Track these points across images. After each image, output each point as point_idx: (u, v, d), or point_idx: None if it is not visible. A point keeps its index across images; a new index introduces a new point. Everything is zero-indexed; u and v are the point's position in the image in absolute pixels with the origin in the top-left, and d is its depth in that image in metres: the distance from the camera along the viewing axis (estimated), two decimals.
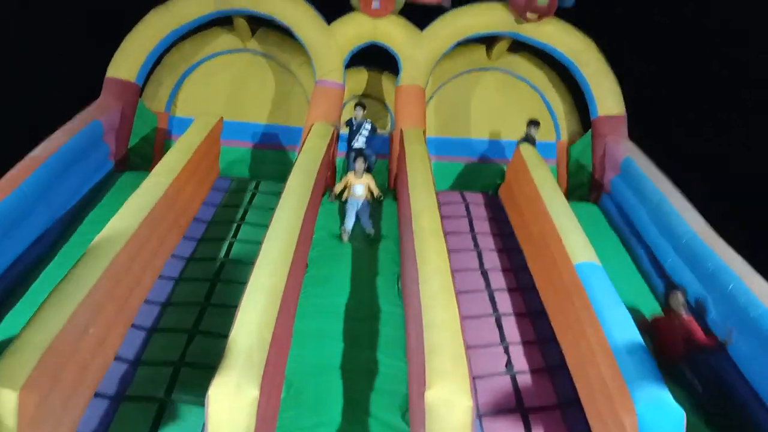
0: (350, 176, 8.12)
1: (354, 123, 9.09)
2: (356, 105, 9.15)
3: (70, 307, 4.81)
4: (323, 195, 8.29)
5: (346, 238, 7.51)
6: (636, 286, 7.13)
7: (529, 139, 9.14)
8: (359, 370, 5.65)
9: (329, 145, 8.57)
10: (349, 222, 7.76)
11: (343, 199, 8.13)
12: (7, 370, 4.09)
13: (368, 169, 8.69)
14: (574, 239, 6.17)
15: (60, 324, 4.61)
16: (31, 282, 6.26)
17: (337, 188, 8.18)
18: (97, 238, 5.78)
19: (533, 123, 9.28)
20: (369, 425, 5.13)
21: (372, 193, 8.18)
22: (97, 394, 5.13)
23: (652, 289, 7.14)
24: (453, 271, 6.15)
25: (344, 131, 9.29)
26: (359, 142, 9.03)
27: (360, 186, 8.10)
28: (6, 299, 5.98)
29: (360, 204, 8.01)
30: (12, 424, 3.96)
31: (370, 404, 5.33)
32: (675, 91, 10.78)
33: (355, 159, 8.42)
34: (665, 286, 6.87)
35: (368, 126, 9.06)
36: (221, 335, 4.89)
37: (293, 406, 5.22)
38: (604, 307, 5.24)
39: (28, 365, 4.17)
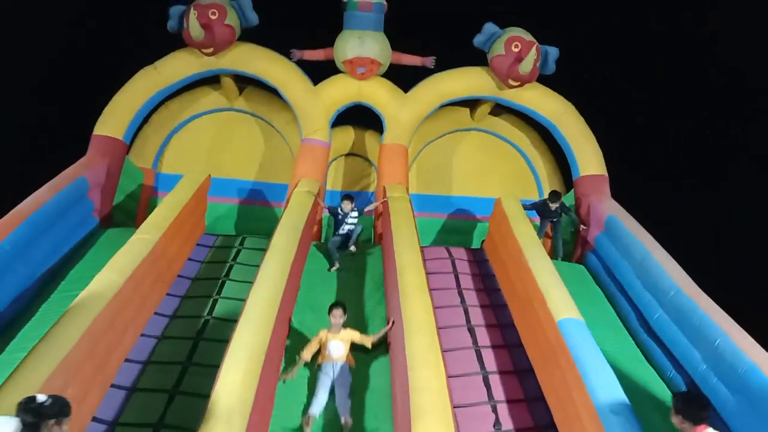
0: (323, 334, 6.17)
1: (340, 213, 8.82)
2: (344, 198, 8.85)
3: (48, 368, 4.72)
4: (307, 252, 8.27)
5: (308, 427, 5.53)
6: (623, 343, 7.12)
7: (549, 207, 9.32)
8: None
9: (315, 202, 8.64)
10: (318, 403, 5.70)
11: (317, 364, 6.14)
12: None
13: (350, 243, 8.56)
14: (556, 296, 6.20)
15: (37, 386, 4.50)
16: (9, 340, 6.11)
17: (306, 353, 6.05)
18: (81, 295, 5.71)
19: (554, 194, 9.41)
20: None
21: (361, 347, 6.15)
22: None
23: (639, 344, 7.13)
24: (439, 328, 6.13)
25: (325, 212, 9.25)
26: (345, 230, 8.72)
27: (338, 345, 6.09)
28: None
29: (337, 371, 5.95)
30: None
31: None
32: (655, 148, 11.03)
33: (339, 245, 8.32)
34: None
35: (355, 214, 8.77)
36: (203, 396, 4.79)
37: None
38: (588, 366, 5.22)
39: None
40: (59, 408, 3.78)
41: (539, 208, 9.58)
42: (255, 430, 4.82)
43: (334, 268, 8.07)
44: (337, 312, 6.24)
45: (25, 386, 4.45)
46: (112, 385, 5.70)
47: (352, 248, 8.47)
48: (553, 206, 9.39)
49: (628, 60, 10.72)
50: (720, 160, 10.27)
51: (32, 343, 5.09)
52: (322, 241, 9.35)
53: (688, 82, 10.74)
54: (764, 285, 5.44)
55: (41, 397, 3.80)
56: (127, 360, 6.03)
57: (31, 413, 3.71)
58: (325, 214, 9.64)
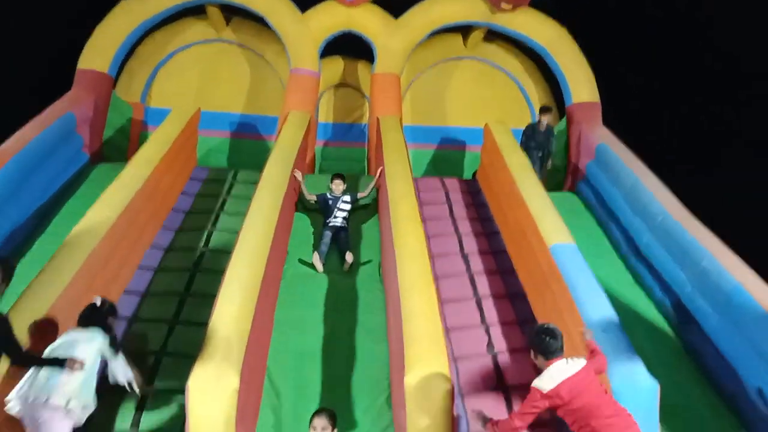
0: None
1: (330, 197, 7.41)
2: (334, 177, 7.58)
3: (48, 303, 4.80)
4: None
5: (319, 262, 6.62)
6: (614, 267, 7.24)
7: (538, 128, 8.94)
8: (341, 356, 5.68)
9: (306, 134, 8.56)
10: (324, 243, 6.91)
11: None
12: None
13: (345, 247, 6.99)
14: (548, 221, 6.26)
15: (37, 316, 4.58)
16: None
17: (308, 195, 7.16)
18: (75, 230, 5.74)
19: (545, 110, 9.07)
20: (353, 410, 5.17)
21: None
22: None
23: (629, 268, 7.25)
24: (434, 256, 6.24)
25: (311, 199, 7.55)
26: (338, 220, 7.25)
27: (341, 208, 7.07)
28: None
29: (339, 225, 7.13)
30: None
31: (353, 390, 5.36)
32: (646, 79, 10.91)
33: (333, 239, 6.99)
34: None
35: (347, 199, 7.44)
36: (202, 324, 4.88)
37: (275, 394, 5.24)
38: (579, 288, 5.33)
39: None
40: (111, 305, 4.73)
41: (527, 135, 9.02)
42: (254, 357, 4.95)
43: (320, 268, 6.67)
44: (338, 181, 7.46)
45: (25, 321, 4.53)
46: None
47: (348, 259, 6.80)
48: (544, 121, 8.87)
49: (623, 45, 10.50)
50: (714, 145, 10.20)
51: (29, 280, 5.13)
52: (316, 173, 9.31)
53: (683, 67, 10.60)
54: (759, 271, 5.57)
55: (98, 300, 4.67)
56: (125, 292, 6.12)
57: (106, 312, 4.61)
58: (318, 147, 9.55)
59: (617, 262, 7.41)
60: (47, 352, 4.33)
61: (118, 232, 6.05)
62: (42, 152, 7.43)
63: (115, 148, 9.49)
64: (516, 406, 5.05)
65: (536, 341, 4.27)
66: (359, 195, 7.71)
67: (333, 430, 4.33)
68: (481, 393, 5.28)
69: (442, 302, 5.45)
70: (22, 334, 4.38)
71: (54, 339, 4.48)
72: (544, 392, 4.10)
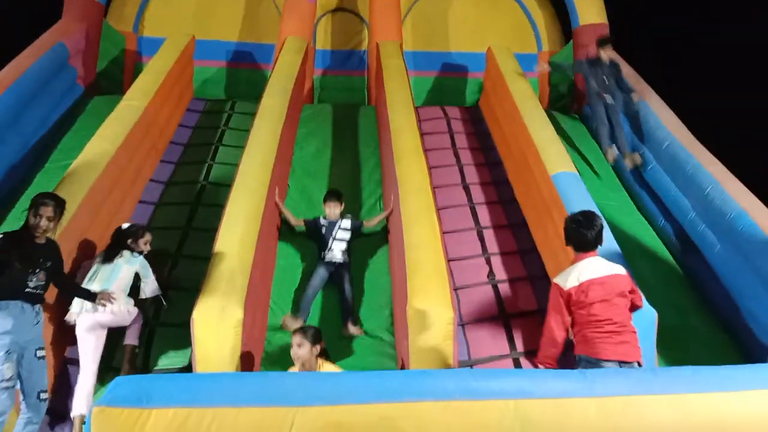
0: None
1: (323, 224, 5.82)
2: (327, 196, 5.96)
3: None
4: (299, 115, 8.11)
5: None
6: (616, 195, 7.20)
7: (598, 65, 7.30)
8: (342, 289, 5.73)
9: (303, 61, 8.34)
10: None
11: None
12: None
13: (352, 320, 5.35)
14: (551, 150, 6.18)
15: None
16: (7, 213, 6.17)
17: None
18: (74, 165, 5.70)
19: (605, 42, 7.41)
20: (354, 340, 5.27)
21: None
22: None
23: (632, 196, 7.22)
24: (435, 188, 6.19)
25: (297, 226, 6.08)
26: (335, 254, 5.64)
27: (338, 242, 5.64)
28: None
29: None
30: None
31: (359, 319, 5.46)
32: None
33: (331, 277, 5.51)
34: None
35: (347, 225, 5.82)
36: (205, 258, 4.91)
37: (280, 325, 5.32)
38: None
39: None
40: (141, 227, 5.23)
41: (585, 70, 7.34)
42: (257, 288, 5.01)
43: (294, 324, 4.99)
44: (332, 202, 5.91)
45: None
46: None
47: (354, 331, 5.21)
48: (606, 56, 7.14)
49: None
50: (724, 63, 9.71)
51: None
52: (315, 103, 9.12)
53: None
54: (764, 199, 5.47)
55: (125, 225, 5.17)
56: None
57: (137, 234, 5.08)
58: (316, 76, 9.28)
59: (620, 190, 7.37)
60: (90, 275, 4.82)
61: (118, 165, 6.02)
62: (37, 84, 7.26)
63: (111, 80, 9.28)
64: (516, 335, 5.15)
65: (569, 233, 3.95)
66: (365, 224, 6.04)
67: (313, 346, 4.16)
68: (481, 321, 5.36)
69: (443, 233, 5.45)
70: None
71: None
72: (564, 288, 3.87)
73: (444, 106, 8.94)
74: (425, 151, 6.58)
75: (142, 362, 4.91)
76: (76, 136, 7.32)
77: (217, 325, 4.28)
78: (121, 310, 4.72)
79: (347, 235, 5.82)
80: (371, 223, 6.13)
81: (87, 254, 5.27)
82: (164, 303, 5.10)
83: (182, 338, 4.74)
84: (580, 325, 3.89)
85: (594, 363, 3.78)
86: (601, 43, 7.46)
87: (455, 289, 5.60)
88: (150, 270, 4.99)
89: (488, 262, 6.05)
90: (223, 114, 8.29)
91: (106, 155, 5.86)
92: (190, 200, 6.63)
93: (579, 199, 5.52)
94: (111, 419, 2.13)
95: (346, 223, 5.89)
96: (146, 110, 6.72)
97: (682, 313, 5.55)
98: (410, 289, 4.58)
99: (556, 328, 3.99)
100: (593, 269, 3.83)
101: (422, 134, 6.92)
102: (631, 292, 4.14)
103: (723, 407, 2.96)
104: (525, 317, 5.35)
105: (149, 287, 4.98)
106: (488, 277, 5.88)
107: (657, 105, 7.23)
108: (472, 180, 7.22)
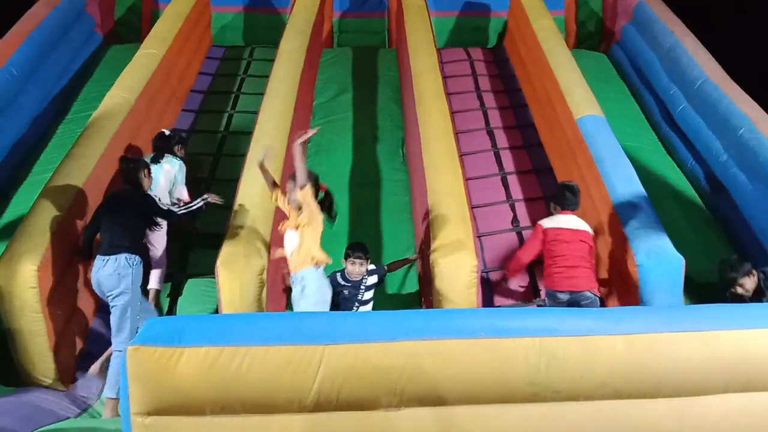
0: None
1: (345, 283, 4.55)
2: (351, 250, 4.55)
3: (75, 187, 4.84)
4: (319, 59, 7.95)
5: None
6: (644, 136, 7.02)
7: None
8: (366, 236, 5.72)
9: (322, 4, 8.13)
10: None
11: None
12: (24, 250, 4.21)
13: None
14: (577, 93, 6.01)
15: (66, 204, 4.67)
16: (32, 164, 6.24)
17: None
18: (94, 115, 5.72)
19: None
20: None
21: None
22: None
23: (661, 138, 7.03)
24: (458, 133, 6.09)
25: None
26: (361, 307, 4.60)
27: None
28: (9, 182, 6.00)
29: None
30: (33, 299, 4.13)
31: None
32: None
33: None
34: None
35: (373, 281, 4.62)
36: (227, 208, 4.93)
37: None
38: (606, 162, 5.21)
39: (42, 245, 4.28)
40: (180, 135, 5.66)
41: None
42: (280, 235, 5.03)
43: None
44: (358, 259, 4.50)
45: (54, 206, 4.62)
46: None
47: None
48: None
49: None
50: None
51: (55, 165, 5.20)
52: (334, 47, 8.91)
53: None
54: None
55: (167, 131, 5.60)
56: None
57: (177, 141, 5.47)
58: (335, 19, 9.04)
59: (648, 131, 7.17)
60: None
61: (139, 114, 6.01)
62: (54, 33, 7.22)
63: (129, 28, 9.16)
64: (540, 281, 5.14)
65: (557, 193, 4.91)
66: (388, 268, 4.85)
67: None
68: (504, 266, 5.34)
69: (466, 179, 5.38)
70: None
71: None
72: (544, 227, 4.75)
73: (467, 47, 8.70)
74: (448, 94, 6.45)
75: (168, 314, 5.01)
76: (96, 85, 7.32)
77: (241, 274, 4.32)
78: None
79: (372, 294, 4.63)
80: (395, 267, 4.97)
81: None
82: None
83: (209, 287, 4.81)
84: (546, 263, 4.73)
85: (551, 295, 4.64)
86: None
87: (479, 236, 5.57)
88: (184, 176, 5.38)
89: (512, 208, 5.99)
90: (242, 61, 8.19)
91: (126, 105, 5.85)
92: (212, 150, 6.62)
93: (605, 142, 5.40)
94: (145, 357, 2.20)
95: (372, 279, 4.60)
96: (164, 58, 6.67)
97: (710, 255, 5.46)
98: (433, 237, 4.56)
99: (526, 253, 4.88)
100: (568, 221, 4.75)
101: (444, 77, 6.77)
102: (592, 245, 4.82)
103: (751, 344, 2.93)
104: None
105: (185, 192, 5.38)
106: (512, 223, 5.84)
107: (692, 45, 6.94)
108: (496, 124, 7.08)
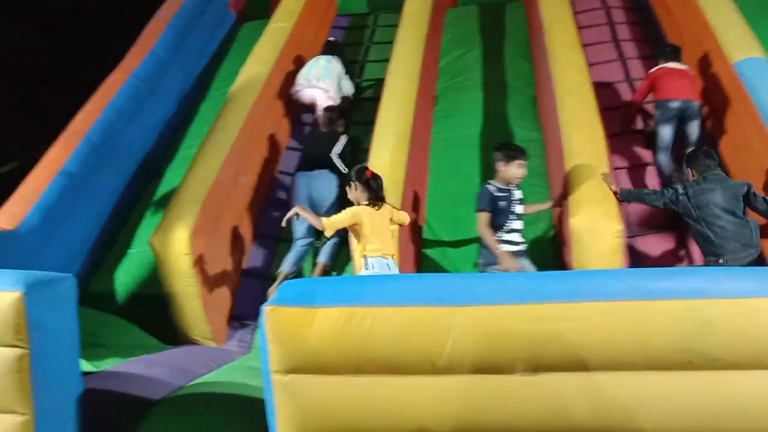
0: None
1: (501, 192, 4.36)
2: (516, 153, 4.39)
3: (219, 159, 5.15)
4: (443, 19, 7.75)
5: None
6: None
7: None
8: None
9: None
10: None
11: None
12: (177, 219, 4.54)
13: None
14: (732, 33, 5.39)
15: (212, 176, 4.97)
16: (180, 140, 6.69)
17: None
18: (232, 89, 6.01)
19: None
20: None
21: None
22: (259, 235, 5.59)
23: None
24: (596, 86, 5.70)
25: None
26: (516, 235, 4.40)
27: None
28: (161, 158, 6.49)
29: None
30: (186, 265, 4.46)
31: None
32: None
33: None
34: None
35: (520, 196, 4.47)
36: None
37: (435, 242, 5.33)
38: None
39: (193, 213, 4.59)
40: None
41: None
42: (411, 202, 5.03)
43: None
44: (524, 161, 4.38)
45: (202, 179, 4.94)
46: (280, 172, 6.19)
47: None
48: None
49: None
50: None
51: (200, 140, 5.53)
52: (458, 6, 8.64)
53: None
54: None
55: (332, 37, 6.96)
56: (287, 148, 6.43)
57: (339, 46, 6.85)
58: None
59: None
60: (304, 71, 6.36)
61: (273, 87, 6.24)
62: (193, 15, 7.61)
63: (257, 5, 9.47)
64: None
65: (660, 47, 5.94)
66: (527, 209, 4.59)
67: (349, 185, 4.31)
68: (654, 232, 4.98)
69: (608, 137, 5.03)
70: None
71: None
72: (649, 72, 5.60)
73: None
74: (583, 46, 6.05)
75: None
76: (232, 63, 7.64)
77: None
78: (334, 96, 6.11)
79: (522, 210, 4.47)
80: (531, 210, 4.70)
81: (251, 178, 5.60)
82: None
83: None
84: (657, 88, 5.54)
85: (662, 105, 5.37)
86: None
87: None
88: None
89: None
90: (367, 29, 8.21)
91: (261, 78, 6.09)
92: None
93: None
94: (282, 316, 2.27)
95: (519, 194, 4.45)
96: (293, 30, 6.85)
97: None
98: (572, 201, 4.32)
99: (637, 98, 5.87)
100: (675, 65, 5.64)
101: (578, 28, 6.36)
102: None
103: None
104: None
105: (347, 88, 6.36)
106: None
107: None
108: (638, 76, 6.54)
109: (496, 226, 4.29)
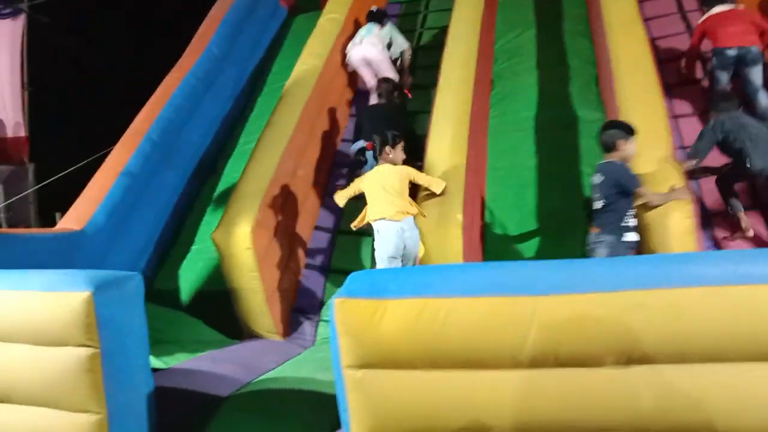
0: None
1: None
2: (630, 128, 4.12)
3: (277, 154, 5.13)
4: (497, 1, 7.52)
5: None
6: None
7: None
8: (559, 184, 5.36)
9: None
10: None
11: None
12: (238, 214, 4.54)
13: None
14: None
15: (271, 170, 4.95)
16: (237, 137, 6.72)
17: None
18: (288, 83, 5.99)
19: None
20: (574, 237, 4.92)
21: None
22: (318, 228, 5.56)
23: None
24: (660, 63, 5.41)
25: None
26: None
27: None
28: (218, 155, 6.53)
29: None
30: (249, 259, 4.45)
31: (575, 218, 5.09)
32: None
33: None
34: None
35: None
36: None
37: (495, 229, 5.17)
38: None
39: (254, 208, 4.59)
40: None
41: None
42: (472, 189, 4.88)
43: None
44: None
45: (261, 174, 4.93)
46: (335, 164, 6.12)
47: None
48: None
49: None
50: None
51: (257, 135, 5.53)
52: None
53: None
54: None
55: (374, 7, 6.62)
56: (343, 140, 6.36)
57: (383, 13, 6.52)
58: None
59: None
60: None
61: (327, 80, 6.18)
62: (245, 11, 7.64)
63: None
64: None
65: None
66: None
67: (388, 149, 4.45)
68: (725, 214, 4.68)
69: (672, 118, 4.76)
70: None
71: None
72: (697, 24, 5.50)
73: None
74: (645, 20, 5.75)
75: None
76: (285, 57, 7.64)
77: (436, 230, 4.25)
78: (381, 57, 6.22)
79: None
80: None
81: (308, 171, 5.56)
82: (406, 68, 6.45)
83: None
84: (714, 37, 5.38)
85: (720, 53, 5.28)
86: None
87: (693, 179, 4.93)
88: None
89: None
90: (419, 15, 8.06)
91: (315, 71, 6.04)
92: None
93: None
94: (351, 309, 2.19)
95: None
96: (346, 21, 6.78)
97: None
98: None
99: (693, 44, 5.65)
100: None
101: (640, 1, 6.05)
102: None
103: None
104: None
105: (398, 46, 6.40)
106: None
107: None
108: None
109: (629, 207, 3.92)
